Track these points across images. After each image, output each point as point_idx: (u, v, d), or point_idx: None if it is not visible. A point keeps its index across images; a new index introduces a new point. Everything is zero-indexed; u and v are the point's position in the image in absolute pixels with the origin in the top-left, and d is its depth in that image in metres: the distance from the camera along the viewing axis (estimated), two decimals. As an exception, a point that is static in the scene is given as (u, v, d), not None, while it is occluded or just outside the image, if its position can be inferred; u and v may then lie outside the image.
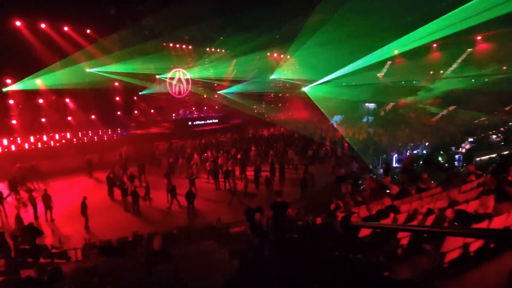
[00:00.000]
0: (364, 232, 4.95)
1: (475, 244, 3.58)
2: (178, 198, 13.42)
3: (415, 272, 3.72)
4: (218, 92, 32.93)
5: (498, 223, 3.87)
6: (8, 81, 19.69)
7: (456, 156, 16.03)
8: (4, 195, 12.92)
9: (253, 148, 21.62)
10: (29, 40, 19.19)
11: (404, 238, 4.52)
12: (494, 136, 18.74)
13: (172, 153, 21.34)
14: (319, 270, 4.27)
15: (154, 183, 14.85)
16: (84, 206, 11.54)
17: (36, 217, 12.05)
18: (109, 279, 4.89)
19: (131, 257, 7.47)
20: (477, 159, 14.70)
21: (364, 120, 32.71)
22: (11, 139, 19.81)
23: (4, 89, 19.69)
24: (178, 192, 13.47)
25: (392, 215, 5.26)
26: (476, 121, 23.41)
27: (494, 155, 14.72)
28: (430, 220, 4.88)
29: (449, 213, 4.80)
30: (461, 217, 4.18)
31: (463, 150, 16.74)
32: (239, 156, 19.20)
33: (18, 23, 18.81)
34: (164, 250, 5.60)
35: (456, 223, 4.32)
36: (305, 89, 33.69)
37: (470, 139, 18.40)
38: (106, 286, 4.78)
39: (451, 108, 27.20)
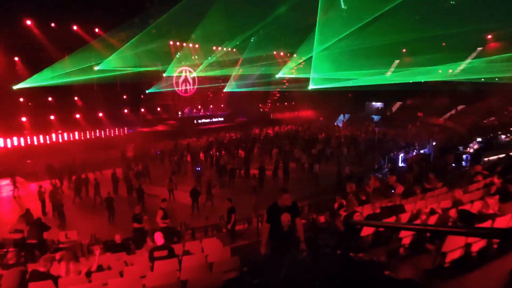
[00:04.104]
0: (366, 231, 4.95)
1: (477, 244, 3.55)
2: (182, 196, 13.54)
3: (416, 272, 3.71)
4: (224, 90, 33.01)
5: (501, 223, 3.83)
6: (18, 79, 20.05)
7: (464, 156, 15.83)
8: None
9: (256, 147, 21.70)
10: (39, 38, 19.56)
11: (406, 237, 4.51)
12: (503, 136, 18.44)
13: (177, 151, 21.47)
14: (321, 268, 4.28)
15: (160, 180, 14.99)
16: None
17: (44, 212, 12.26)
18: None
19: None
20: (485, 159, 14.49)
21: (370, 119, 32.51)
22: (21, 137, 20.24)
23: (15, 87, 20.04)
24: (183, 190, 13.57)
25: (394, 217, 5.23)
26: (485, 121, 23.06)
27: (502, 156, 14.49)
28: (433, 219, 4.85)
29: (452, 213, 4.77)
30: (464, 217, 4.14)
31: (471, 150, 16.51)
32: (243, 155, 19.24)
33: (28, 22, 19.18)
34: (167, 245, 5.67)
35: (459, 223, 4.29)
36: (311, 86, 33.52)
37: (479, 139, 18.14)
38: None
39: (460, 107, 26.84)
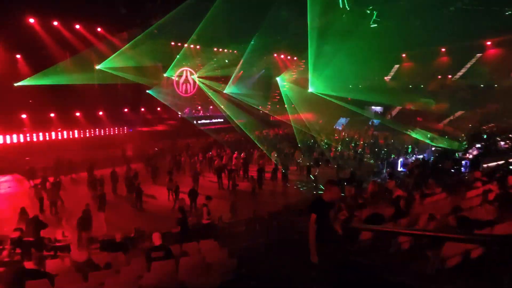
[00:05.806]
0: (365, 235, 4.94)
1: (476, 251, 3.54)
2: (180, 196, 13.50)
3: (414, 277, 3.70)
4: (224, 91, 32.91)
5: (500, 230, 3.82)
6: (20, 76, 20.02)
7: (463, 162, 15.84)
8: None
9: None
10: (41, 36, 19.56)
11: (404, 242, 4.50)
12: (502, 143, 18.46)
13: (175, 151, 21.42)
14: (319, 272, 4.27)
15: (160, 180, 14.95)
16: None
17: (41, 210, 12.21)
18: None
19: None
20: (484, 165, 14.50)
21: (369, 123, 32.52)
22: (20, 133, 20.21)
23: (16, 84, 20.01)
24: (181, 190, 13.55)
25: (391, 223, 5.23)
26: (484, 127, 23.08)
27: (501, 162, 14.51)
28: (432, 225, 4.84)
29: (451, 219, 4.76)
30: (463, 223, 4.14)
31: (470, 156, 16.54)
32: (242, 156, 19.20)
33: (31, 20, 19.18)
34: (164, 246, 5.65)
35: (458, 230, 4.28)
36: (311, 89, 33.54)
37: (478, 145, 18.16)
38: None
39: (458, 113, 26.91)
